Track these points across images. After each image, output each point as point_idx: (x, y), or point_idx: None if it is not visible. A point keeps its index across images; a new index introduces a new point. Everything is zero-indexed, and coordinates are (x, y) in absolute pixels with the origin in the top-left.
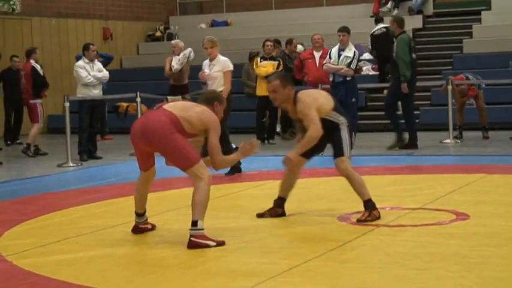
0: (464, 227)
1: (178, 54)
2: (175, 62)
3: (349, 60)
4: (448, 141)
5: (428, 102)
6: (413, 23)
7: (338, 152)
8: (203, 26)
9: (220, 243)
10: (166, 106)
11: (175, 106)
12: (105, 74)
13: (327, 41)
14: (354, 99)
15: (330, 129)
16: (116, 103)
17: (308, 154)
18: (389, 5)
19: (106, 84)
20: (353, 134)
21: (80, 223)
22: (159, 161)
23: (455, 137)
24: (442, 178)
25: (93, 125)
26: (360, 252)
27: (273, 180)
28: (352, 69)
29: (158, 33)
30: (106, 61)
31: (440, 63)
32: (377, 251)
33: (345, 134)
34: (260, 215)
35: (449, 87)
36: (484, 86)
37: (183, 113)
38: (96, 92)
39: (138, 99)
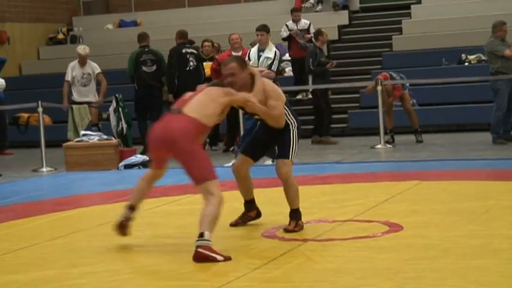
0: (398, 239)
1: None
2: None
3: (269, 62)
4: (379, 146)
5: (357, 104)
6: (339, 19)
7: (283, 154)
8: (110, 26)
9: (228, 259)
10: (186, 109)
11: (194, 107)
12: (2, 82)
13: (246, 40)
14: None
15: (280, 129)
16: (16, 114)
17: (254, 155)
18: (312, 0)
19: (3, 93)
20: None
21: None
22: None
23: (386, 142)
24: (374, 187)
25: None
26: (287, 270)
27: (191, 194)
28: (273, 71)
29: (61, 36)
30: (1, 66)
31: (368, 62)
32: (305, 268)
33: (293, 136)
34: (233, 224)
35: (379, 87)
36: (408, 85)
37: (204, 111)
38: None
39: (40, 109)
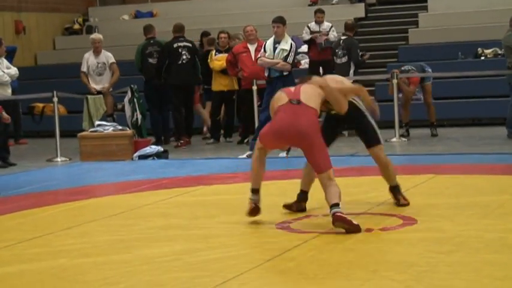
0: (412, 232)
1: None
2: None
3: (285, 54)
4: (394, 139)
5: (372, 97)
6: (355, 12)
7: (374, 139)
8: (126, 17)
9: (358, 227)
10: (303, 99)
11: (307, 96)
12: (15, 70)
13: (261, 32)
14: None
15: (353, 116)
16: (31, 104)
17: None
18: None
19: (17, 82)
20: None
21: None
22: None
23: (401, 135)
24: None
25: (5, 128)
26: (300, 262)
27: (203, 185)
28: (289, 63)
29: (76, 26)
30: (12, 55)
31: (384, 55)
32: (318, 261)
33: (372, 120)
34: (287, 207)
35: (395, 81)
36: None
37: (315, 101)
38: (10, 91)
39: (55, 99)
